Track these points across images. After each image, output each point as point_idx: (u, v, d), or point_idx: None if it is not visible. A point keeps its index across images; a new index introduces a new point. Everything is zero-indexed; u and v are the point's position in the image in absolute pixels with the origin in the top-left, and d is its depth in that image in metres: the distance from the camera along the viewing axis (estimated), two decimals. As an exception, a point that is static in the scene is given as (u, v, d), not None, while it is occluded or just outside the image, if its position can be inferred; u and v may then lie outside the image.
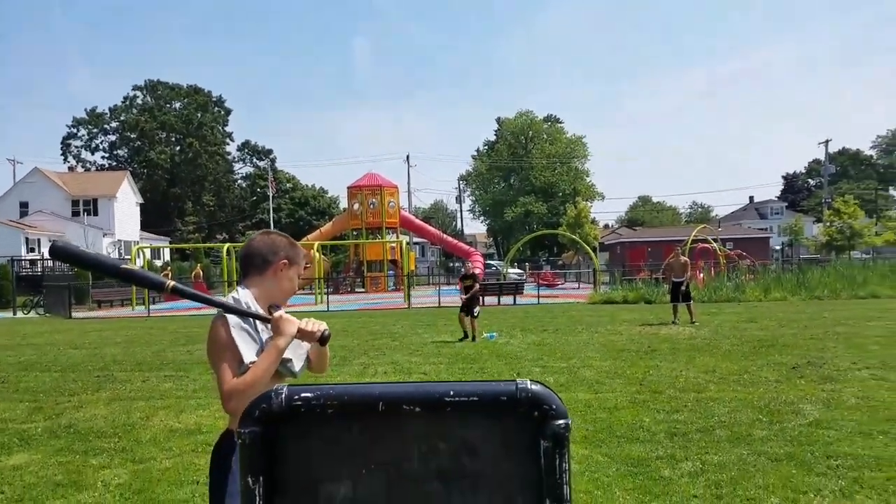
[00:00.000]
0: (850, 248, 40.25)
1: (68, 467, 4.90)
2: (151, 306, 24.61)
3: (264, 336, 2.12)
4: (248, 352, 2.04)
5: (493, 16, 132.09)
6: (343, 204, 50.54)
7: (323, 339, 2.14)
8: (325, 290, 26.29)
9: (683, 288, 14.27)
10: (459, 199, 71.27)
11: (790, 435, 5.16)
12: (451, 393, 1.12)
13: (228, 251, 30.14)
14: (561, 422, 1.10)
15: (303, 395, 1.19)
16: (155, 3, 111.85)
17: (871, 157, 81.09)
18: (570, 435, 1.10)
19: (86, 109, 66.19)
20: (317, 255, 29.85)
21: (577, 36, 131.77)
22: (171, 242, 53.40)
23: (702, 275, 24.69)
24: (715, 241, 32.02)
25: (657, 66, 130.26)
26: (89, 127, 65.54)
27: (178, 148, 65.28)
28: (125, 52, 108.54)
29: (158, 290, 2.14)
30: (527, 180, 67.55)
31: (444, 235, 43.55)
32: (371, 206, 36.40)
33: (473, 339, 12.09)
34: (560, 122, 73.22)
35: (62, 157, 64.55)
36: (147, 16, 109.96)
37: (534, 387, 1.12)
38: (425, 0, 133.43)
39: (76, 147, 65.67)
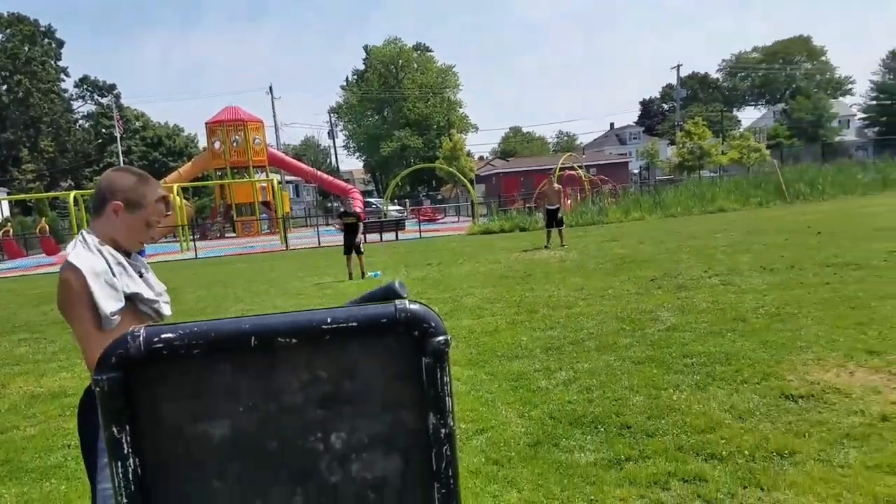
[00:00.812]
0: (700, 168, 43.70)
1: None
2: (-6, 266, 22.25)
3: (128, 283, 1.93)
4: (108, 302, 1.84)
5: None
6: (202, 143, 47.56)
7: None
8: (191, 236, 24.94)
9: (558, 215, 14.94)
10: (332, 134, 69.20)
11: (650, 340, 5.64)
12: (329, 320, 1.08)
13: (76, 200, 27.26)
14: (441, 338, 1.09)
15: (163, 336, 1.09)
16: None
17: (718, 80, 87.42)
18: (450, 351, 1.10)
19: None
20: (177, 199, 28.05)
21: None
22: (8, 194, 47.85)
23: (569, 201, 25.93)
24: (580, 167, 33.55)
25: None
26: None
27: (4, 87, 57.85)
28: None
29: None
30: (400, 112, 66.89)
31: (319, 173, 42.35)
32: (234, 144, 34.32)
33: (362, 275, 12.05)
34: (430, 51, 72.54)
35: None
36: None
37: (412, 306, 1.10)
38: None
39: None
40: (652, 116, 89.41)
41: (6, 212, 43.34)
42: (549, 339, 6.02)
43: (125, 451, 1.09)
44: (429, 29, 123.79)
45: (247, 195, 33.68)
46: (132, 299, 1.93)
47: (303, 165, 43.13)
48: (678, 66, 56.80)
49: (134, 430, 1.10)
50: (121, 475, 1.10)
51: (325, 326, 1.07)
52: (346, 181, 53.56)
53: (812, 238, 11.68)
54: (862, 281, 7.26)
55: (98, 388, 1.10)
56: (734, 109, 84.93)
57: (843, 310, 6.02)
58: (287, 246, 23.01)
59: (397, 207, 41.94)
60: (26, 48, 58.25)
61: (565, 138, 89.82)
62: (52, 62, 61.11)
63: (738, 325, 5.87)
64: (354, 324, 1.08)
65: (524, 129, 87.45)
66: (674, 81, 60.27)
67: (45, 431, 4.59)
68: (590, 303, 7.59)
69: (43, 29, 60.50)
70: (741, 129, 65.06)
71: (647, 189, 34.29)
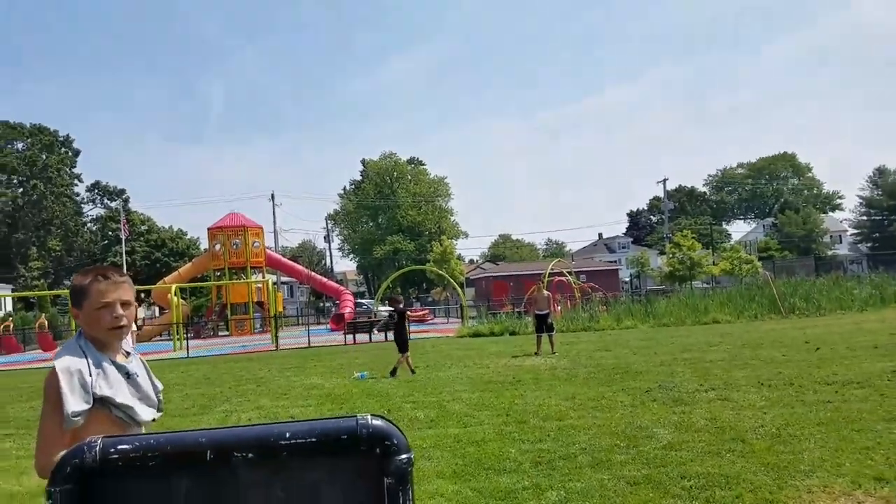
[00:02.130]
0: (692, 278, 44.09)
1: None
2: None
3: (102, 385, 1.87)
4: (73, 401, 1.78)
5: (348, 60, 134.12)
6: (204, 245, 48.18)
7: None
8: (185, 335, 24.66)
9: (548, 320, 14.88)
10: (328, 238, 70.64)
11: (646, 458, 5.38)
12: (288, 435, 1.05)
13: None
14: (403, 457, 1.06)
15: (119, 447, 1.07)
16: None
17: (705, 193, 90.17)
18: (413, 469, 1.07)
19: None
20: (175, 298, 28.07)
21: (426, 80, 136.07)
22: (13, 291, 47.70)
23: (559, 307, 25.93)
24: (570, 273, 33.83)
25: (506, 113, 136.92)
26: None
27: (20, 190, 59.52)
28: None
29: None
30: (394, 219, 68.98)
31: (313, 274, 42.55)
32: (234, 247, 34.92)
33: (412, 371, 12.07)
34: (423, 164, 76.32)
35: None
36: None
37: (375, 422, 1.07)
38: (279, 44, 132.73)
39: None
40: (640, 228, 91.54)
41: (8, 307, 43.08)
42: (539, 452, 5.79)
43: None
44: (420, 141, 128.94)
45: (242, 295, 33.82)
46: (103, 402, 1.86)
47: (298, 267, 43.44)
48: (664, 181, 58.55)
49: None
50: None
51: (283, 442, 1.03)
52: (339, 282, 53.84)
53: (810, 354, 11.41)
54: (865, 401, 7.03)
55: (51, 501, 1.07)
56: (723, 223, 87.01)
57: (848, 432, 5.77)
58: (277, 346, 22.72)
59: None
60: (44, 156, 60.53)
61: (554, 246, 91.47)
62: (68, 169, 63.35)
63: (738, 445, 5.60)
64: (314, 439, 1.04)
65: (513, 236, 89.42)
66: (661, 194, 61.92)
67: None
68: (581, 414, 7.38)
69: (61, 138, 63.06)
70: (731, 242, 66.17)
71: (638, 297, 34.37)
